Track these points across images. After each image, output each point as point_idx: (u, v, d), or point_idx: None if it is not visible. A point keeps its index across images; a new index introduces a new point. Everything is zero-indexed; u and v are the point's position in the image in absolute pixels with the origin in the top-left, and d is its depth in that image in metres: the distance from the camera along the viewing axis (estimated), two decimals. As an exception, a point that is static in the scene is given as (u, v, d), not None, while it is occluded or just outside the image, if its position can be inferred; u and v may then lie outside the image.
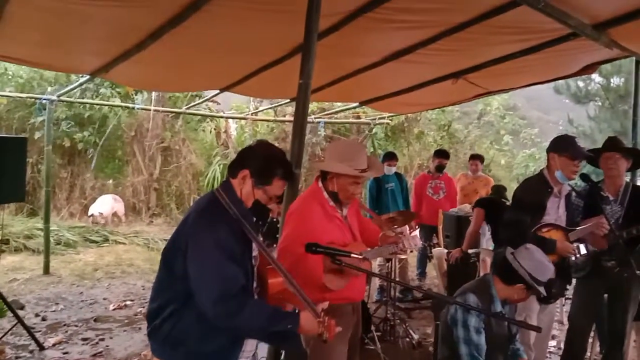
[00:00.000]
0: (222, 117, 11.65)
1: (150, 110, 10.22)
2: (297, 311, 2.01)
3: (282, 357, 2.95)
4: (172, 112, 10.96)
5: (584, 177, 3.55)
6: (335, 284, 2.55)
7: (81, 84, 7.33)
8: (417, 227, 6.85)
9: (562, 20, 3.66)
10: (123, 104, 10.14)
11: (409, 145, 14.18)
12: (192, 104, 10.17)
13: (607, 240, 3.39)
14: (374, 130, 11.41)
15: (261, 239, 2.14)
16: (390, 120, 11.78)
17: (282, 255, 2.47)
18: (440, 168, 6.96)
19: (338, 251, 2.10)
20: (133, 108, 9.53)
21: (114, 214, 10.53)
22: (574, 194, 3.60)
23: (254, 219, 2.15)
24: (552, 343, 4.58)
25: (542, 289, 2.77)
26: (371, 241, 2.96)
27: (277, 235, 3.00)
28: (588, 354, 4.24)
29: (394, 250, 2.98)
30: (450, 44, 4.33)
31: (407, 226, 5.91)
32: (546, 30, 4.03)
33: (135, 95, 11.31)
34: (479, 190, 6.92)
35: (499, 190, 5.74)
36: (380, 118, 10.71)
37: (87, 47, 4.63)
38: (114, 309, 5.89)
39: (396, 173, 6.77)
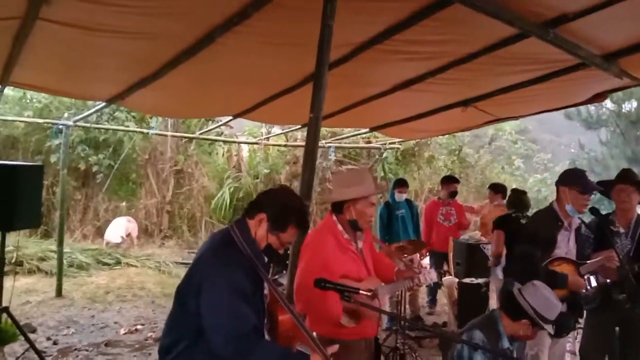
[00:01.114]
0: (234, 142, 11.77)
1: (164, 135, 10.37)
2: (307, 352, 2.02)
3: None
4: (185, 137, 11.10)
5: (593, 210, 3.55)
6: (347, 321, 2.55)
7: (97, 110, 7.47)
8: (427, 254, 6.84)
9: (572, 52, 3.71)
10: (138, 130, 10.30)
11: (420, 169, 14.18)
12: (206, 128, 10.30)
13: (617, 273, 3.37)
14: (384, 155, 11.42)
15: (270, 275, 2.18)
16: (401, 144, 11.82)
17: (300, 291, 2.48)
18: (453, 194, 6.94)
19: (347, 287, 2.12)
20: (147, 133, 9.67)
21: (128, 235, 10.60)
22: (583, 227, 3.58)
23: (266, 259, 2.18)
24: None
25: (548, 327, 2.74)
26: (386, 276, 2.95)
27: (287, 262, 3.01)
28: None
29: (409, 285, 2.97)
30: (459, 74, 4.38)
31: (417, 254, 5.93)
32: (555, 60, 4.07)
33: (150, 119, 11.49)
34: None
35: (518, 196, 5.60)
36: (390, 143, 10.74)
37: (104, 76, 4.76)
38: (124, 334, 5.91)
39: (407, 200, 6.78)
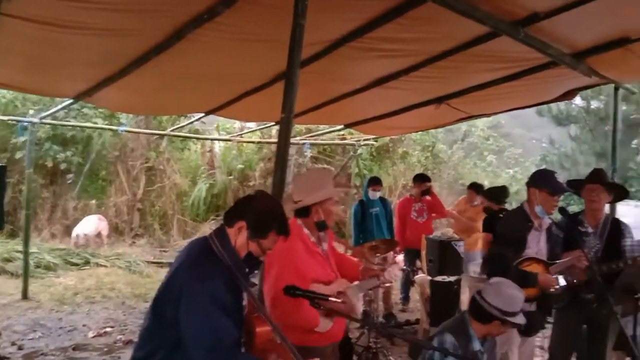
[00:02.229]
0: (207, 138, 11.61)
1: (135, 132, 10.15)
2: None
3: None
4: (156, 134, 10.89)
5: (562, 210, 3.60)
6: (324, 325, 2.54)
7: (64, 107, 7.26)
8: (401, 251, 6.85)
9: (542, 50, 3.75)
10: (107, 127, 10.06)
11: (394, 165, 14.25)
12: (178, 124, 10.13)
13: (586, 273, 3.42)
14: (359, 151, 11.44)
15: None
16: (375, 141, 11.85)
17: (275, 300, 2.44)
18: (425, 193, 6.94)
19: (317, 295, 2.09)
20: (117, 130, 9.45)
21: (98, 235, 10.36)
22: (554, 227, 3.63)
23: (246, 269, 2.13)
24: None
25: (518, 319, 2.76)
26: (351, 275, 2.95)
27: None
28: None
29: (375, 284, 2.99)
30: (432, 72, 4.39)
31: (391, 252, 5.94)
32: (527, 58, 4.11)
33: (120, 115, 11.24)
34: (473, 218, 6.91)
35: (498, 191, 5.71)
36: (365, 139, 10.76)
37: (70, 73, 4.60)
38: (93, 337, 5.76)
39: (381, 198, 6.78)
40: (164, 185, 12.39)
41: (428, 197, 6.92)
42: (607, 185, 3.68)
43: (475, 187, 7.08)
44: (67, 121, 10.25)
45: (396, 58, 4.20)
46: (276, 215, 2.15)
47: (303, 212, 2.68)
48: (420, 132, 13.89)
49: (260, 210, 2.12)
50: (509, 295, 2.77)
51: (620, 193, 3.81)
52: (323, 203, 2.67)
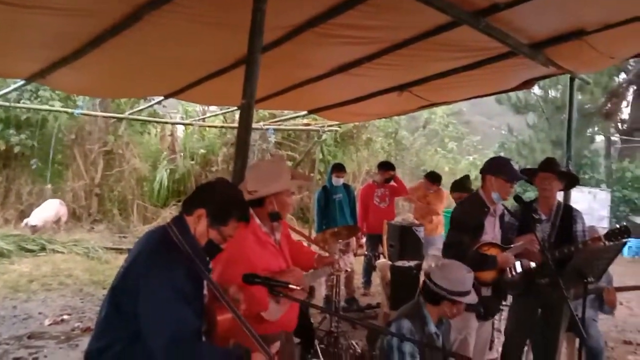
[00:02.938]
0: (167, 122, 11.37)
1: (92, 115, 9.84)
2: (248, 352, 1.95)
3: None
4: (114, 117, 10.59)
5: (517, 198, 3.73)
6: (275, 312, 2.53)
7: (16, 89, 6.97)
8: (363, 236, 6.93)
9: (502, 40, 3.84)
10: (62, 109, 9.72)
11: (358, 151, 14.35)
12: (137, 108, 9.87)
13: (539, 258, 3.54)
14: (323, 137, 11.44)
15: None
16: (339, 127, 11.88)
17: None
18: (389, 180, 7.07)
19: (277, 282, 2.09)
20: (73, 113, 9.14)
21: (57, 220, 10.01)
22: (507, 213, 3.74)
23: (207, 257, 2.11)
24: (494, 355, 4.70)
25: (468, 298, 2.82)
26: (306, 264, 2.97)
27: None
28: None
29: (330, 272, 3.02)
30: (395, 59, 4.42)
31: (354, 238, 6.00)
32: (487, 48, 4.19)
33: (77, 97, 10.86)
34: (432, 203, 7.05)
35: (463, 182, 5.88)
36: (329, 125, 10.76)
37: (22, 53, 4.43)
38: (49, 325, 5.60)
39: (344, 184, 6.80)
40: (123, 170, 12.07)
41: (392, 183, 7.04)
42: (559, 173, 3.81)
43: (430, 177, 7.22)
44: (22, 103, 9.85)
45: (359, 45, 4.20)
46: (236, 202, 2.13)
47: (257, 202, 2.64)
48: (383, 119, 14.01)
49: (220, 198, 2.09)
50: (455, 276, 2.83)
51: (571, 180, 3.95)
52: (278, 194, 2.64)
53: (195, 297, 2.02)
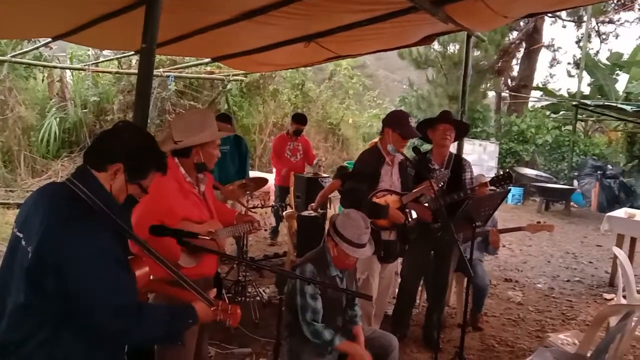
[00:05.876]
0: (55, 67, 10.44)
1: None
2: (191, 304, 1.93)
3: None
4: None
5: (415, 149, 4.01)
6: (187, 262, 2.55)
7: None
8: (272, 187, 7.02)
9: (405, -6, 3.91)
10: None
11: (264, 103, 14.17)
12: (20, 50, 8.95)
13: (431, 211, 3.89)
14: (228, 87, 11.16)
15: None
16: (245, 77, 11.63)
17: (137, 234, 2.35)
18: (297, 132, 7.18)
19: (185, 232, 2.07)
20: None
21: None
22: (408, 163, 3.98)
23: (126, 213, 1.99)
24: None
25: (360, 251, 2.97)
26: (227, 221, 3.02)
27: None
28: (417, 302, 4.90)
29: (247, 229, 3.09)
30: (301, 9, 4.35)
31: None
32: (390, 2, 4.26)
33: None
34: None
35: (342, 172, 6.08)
36: (234, 74, 10.50)
37: None
38: None
39: (235, 136, 6.40)
40: (7, 118, 11.01)
41: (304, 136, 7.15)
42: (456, 124, 4.12)
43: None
44: None
45: (266, -9, 4.09)
46: (152, 151, 1.97)
47: (183, 153, 2.62)
48: (290, 70, 13.89)
49: (136, 149, 1.91)
50: (352, 228, 2.96)
51: (463, 129, 4.34)
52: (204, 145, 2.64)
53: (126, 259, 1.89)
